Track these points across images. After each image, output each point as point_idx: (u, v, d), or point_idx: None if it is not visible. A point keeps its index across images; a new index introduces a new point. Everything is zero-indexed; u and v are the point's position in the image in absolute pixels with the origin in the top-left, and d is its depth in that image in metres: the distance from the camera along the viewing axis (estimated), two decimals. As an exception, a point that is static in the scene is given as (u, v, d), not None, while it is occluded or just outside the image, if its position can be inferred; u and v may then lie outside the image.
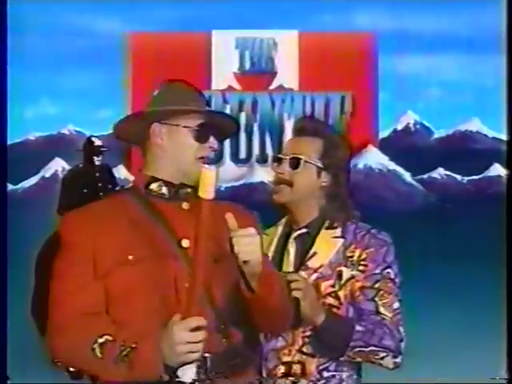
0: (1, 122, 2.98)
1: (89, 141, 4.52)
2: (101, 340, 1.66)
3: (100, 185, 4.46)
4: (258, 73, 8.73)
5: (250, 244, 1.58)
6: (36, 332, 4.58)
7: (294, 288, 1.82)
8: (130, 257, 1.69)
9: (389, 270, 1.96)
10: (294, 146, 2.04)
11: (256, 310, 1.67)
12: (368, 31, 8.32)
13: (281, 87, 8.68)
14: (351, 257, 1.95)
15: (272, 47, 8.60)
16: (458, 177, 8.93)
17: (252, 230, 1.59)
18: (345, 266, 1.94)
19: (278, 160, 2.03)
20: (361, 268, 1.94)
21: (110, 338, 1.64)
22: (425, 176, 8.95)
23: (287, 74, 8.58)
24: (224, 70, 8.53)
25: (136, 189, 1.80)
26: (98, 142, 4.50)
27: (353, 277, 1.93)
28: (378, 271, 1.94)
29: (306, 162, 1.98)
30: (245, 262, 1.58)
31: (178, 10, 8.10)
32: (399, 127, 9.33)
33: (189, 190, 1.75)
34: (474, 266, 5.88)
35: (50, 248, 4.67)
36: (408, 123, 9.33)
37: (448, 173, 8.93)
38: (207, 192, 1.56)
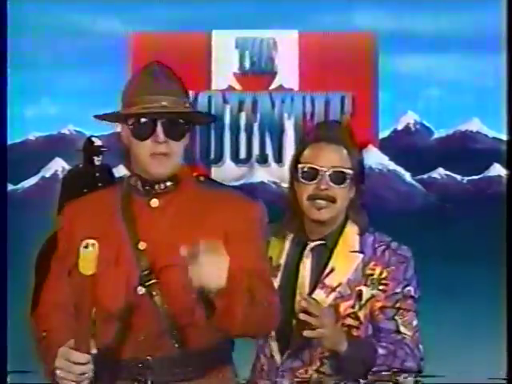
0: (1, 121, 2.98)
1: (89, 141, 4.52)
2: (44, 334, 1.78)
3: (100, 185, 4.46)
4: (257, 73, 8.73)
5: (213, 265, 1.45)
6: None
7: (316, 324, 1.73)
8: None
9: (409, 288, 1.90)
10: (325, 156, 1.85)
11: (219, 325, 1.58)
12: (368, 31, 8.32)
13: (281, 87, 8.68)
14: (371, 275, 1.88)
15: (272, 47, 8.60)
16: (458, 177, 8.92)
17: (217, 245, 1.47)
18: (365, 284, 1.87)
19: (313, 172, 1.84)
20: (381, 287, 1.88)
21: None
22: (425, 176, 8.94)
23: (287, 73, 8.58)
24: (224, 70, 8.53)
25: (126, 181, 1.82)
26: (98, 142, 4.50)
27: (373, 296, 1.87)
28: (398, 290, 1.88)
29: (349, 176, 1.86)
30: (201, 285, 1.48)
31: (178, 10, 8.10)
32: (399, 127, 9.33)
33: (168, 183, 1.72)
34: (474, 266, 5.88)
35: (50, 248, 4.65)
36: (408, 123, 9.32)
37: (448, 173, 8.92)
38: (87, 268, 1.50)
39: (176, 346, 1.63)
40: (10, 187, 7.64)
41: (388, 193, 8.69)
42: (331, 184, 1.84)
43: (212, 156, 8.81)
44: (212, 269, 1.46)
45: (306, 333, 1.73)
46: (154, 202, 1.71)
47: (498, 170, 8.48)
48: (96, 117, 1.91)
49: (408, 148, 9.09)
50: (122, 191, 1.78)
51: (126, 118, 1.75)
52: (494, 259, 4.19)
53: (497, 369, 2.37)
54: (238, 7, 7.98)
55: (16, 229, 3.86)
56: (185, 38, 8.26)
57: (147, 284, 1.65)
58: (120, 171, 8.50)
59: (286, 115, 8.68)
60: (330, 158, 1.85)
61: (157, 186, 1.72)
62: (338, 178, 1.83)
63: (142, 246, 1.67)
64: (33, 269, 4.37)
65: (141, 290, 1.66)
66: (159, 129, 1.69)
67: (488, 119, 8.60)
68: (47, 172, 8.92)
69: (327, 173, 1.83)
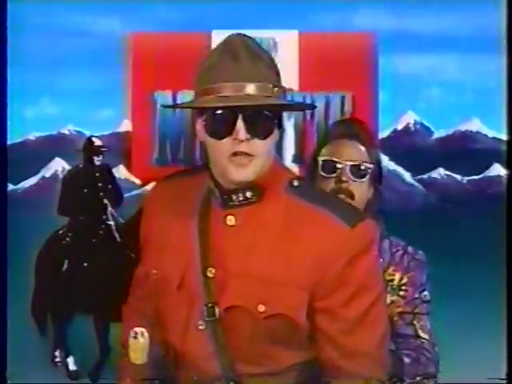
0: (1, 121, 2.97)
1: (89, 141, 4.51)
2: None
3: (100, 185, 4.45)
4: (258, 73, 8.72)
5: None
6: (36, 332, 4.59)
7: None
8: (154, 271, 1.46)
9: (425, 293, 1.90)
10: (346, 151, 1.78)
11: None
12: (368, 31, 8.32)
13: (281, 87, 8.67)
14: (391, 281, 1.84)
15: (272, 47, 8.60)
16: (458, 177, 8.93)
17: None
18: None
19: (334, 165, 1.77)
20: (401, 293, 1.85)
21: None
22: (425, 176, 8.95)
23: (287, 74, 8.56)
24: (224, 70, 8.53)
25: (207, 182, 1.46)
26: (98, 142, 4.49)
27: (392, 302, 1.83)
28: (417, 295, 1.88)
29: (369, 171, 1.78)
30: None
31: (178, 10, 8.10)
32: (399, 127, 9.33)
33: (248, 194, 1.37)
34: (474, 266, 5.88)
35: (50, 248, 4.66)
36: (408, 123, 9.33)
37: (448, 173, 8.93)
38: (137, 359, 1.36)
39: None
40: (10, 187, 7.65)
41: (388, 193, 8.69)
42: (351, 177, 1.76)
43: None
44: None
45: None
46: (230, 220, 1.37)
47: (498, 170, 8.48)
48: (165, 106, 1.54)
49: (408, 148, 9.10)
50: (205, 191, 1.44)
51: (200, 109, 1.38)
52: (494, 259, 4.18)
53: (497, 369, 2.37)
54: (237, 7, 7.98)
55: (16, 229, 3.85)
56: (185, 38, 8.26)
57: (209, 319, 1.38)
58: (120, 171, 8.53)
59: (286, 115, 8.68)
60: (351, 153, 1.78)
61: (234, 197, 1.37)
62: (358, 171, 1.77)
63: (210, 272, 1.38)
64: (33, 269, 4.38)
65: (202, 325, 1.39)
66: (240, 124, 1.31)
67: (488, 119, 8.61)
68: (47, 172, 8.92)
69: (347, 166, 1.76)
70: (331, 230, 1.33)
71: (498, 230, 3.70)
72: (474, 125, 9.05)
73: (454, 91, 8.52)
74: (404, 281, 1.85)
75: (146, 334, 1.36)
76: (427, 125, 9.21)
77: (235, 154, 1.32)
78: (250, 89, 1.31)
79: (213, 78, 1.34)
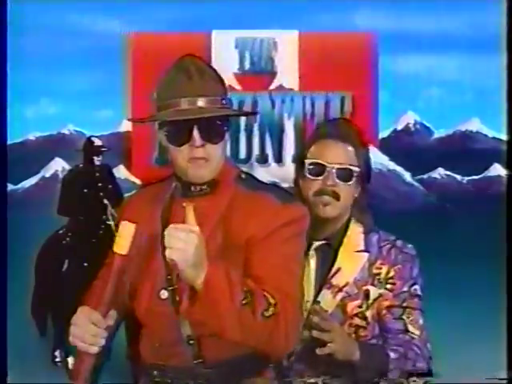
0: (1, 122, 2.97)
1: (89, 141, 4.51)
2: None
3: (100, 185, 4.44)
4: (257, 73, 8.73)
5: (180, 241, 1.39)
6: (36, 332, 4.58)
7: (328, 340, 1.67)
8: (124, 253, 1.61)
9: (416, 287, 1.86)
10: (333, 153, 1.82)
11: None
12: (368, 31, 8.33)
13: (281, 87, 8.69)
14: (378, 274, 1.84)
15: (272, 47, 8.61)
16: (458, 177, 8.94)
17: (192, 228, 1.41)
18: (372, 284, 1.83)
19: (320, 168, 1.80)
20: (389, 286, 1.84)
21: None
22: (425, 176, 8.96)
23: (287, 73, 8.59)
24: (224, 70, 8.45)
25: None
26: (97, 142, 4.49)
27: (380, 295, 1.83)
28: (405, 289, 1.85)
29: (356, 173, 1.81)
30: (171, 260, 1.41)
31: (178, 10, 8.11)
32: (399, 127, 9.35)
33: (203, 186, 1.60)
34: (474, 266, 5.88)
35: (50, 248, 4.66)
36: (408, 123, 9.34)
37: (448, 173, 8.94)
38: (121, 246, 1.46)
39: (192, 357, 1.56)
40: (10, 187, 7.66)
41: (388, 193, 8.69)
42: (337, 181, 1.79)
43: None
44: (186, 245, 1.38)
45: (320, 350, 1.67)
46: (187, 205, 1.54)
47: (498, 170, 8.49)
48: (130, 120, 1.70)
49: (408, 148, 9.11)
50: (170, 190, 1.68)
51: (161, 122, 1.62)
52: (493, 259, 4.18)
53: (497, 369, 2.37)
54: (238, 7, 7.99)
55: (16, 229, 3.86)
56: (185, 38, 8.27)
57: (170, 288, 1.58)
58: (120, 171, 8.54)
59: (285, 115, 8.69)
60: (337, 155, 1.81)
61: (192, 188, 1.61)
62: (345, 175, 1.80)
63: None
64: (33, 269, 4.38)
65: (163, 294, 1.59)
66: (196, 133, 1.53)
67: (488, 119, 8.62)
68: (47, 172, 8.93)
69: (334, 169, 1.79)
70: (265, 205, 1.57)
71: (498, 230, 3.70)
72: (474, 125, 9.06)
73: (453, 91, 8.53)
74: (391, 274, 1.84)
75: (134, 226, 1.48)
76: (427, 125, 9.22)
77: (193, 158, 1.55)
78: (202, 102, 1.55)
79: (170, 94, 1.57)
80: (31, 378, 3.58)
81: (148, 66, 8.20)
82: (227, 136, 1.60)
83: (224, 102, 1.57)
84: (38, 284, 4.37)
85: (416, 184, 8.88)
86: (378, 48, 8.32)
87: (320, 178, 1.82)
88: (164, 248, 1.46)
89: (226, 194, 1.62)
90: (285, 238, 1.56)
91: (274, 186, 1.72)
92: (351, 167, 1.80)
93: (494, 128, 8.51)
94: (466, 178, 8.89)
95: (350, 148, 1.84)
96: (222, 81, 1.60)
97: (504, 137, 6.92)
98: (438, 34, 8.17)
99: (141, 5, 8.10)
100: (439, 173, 8.96)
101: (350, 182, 1.80)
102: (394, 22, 8.24)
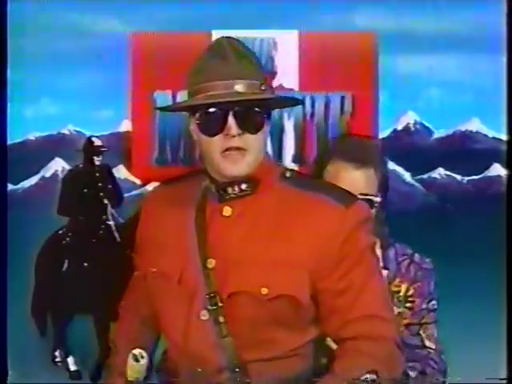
0: (1, 122, 2.97)
1: (89, 141, 4.51)
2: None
3: (100, 185, 4.45)
4: (258, 73, 8.72)
5: None
6: (36, 332, 4.58)
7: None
8: (154, 269, 1.48)
9: (433, 302, 1.84)
10: (350, 180, 1.66)
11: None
12: (368, 31, 8.32)
13: (281, 87, 8.67)
14: (397, 292, 1.78)
15: (272, 47, 8.60)
16: (458, 177, 8.93)
17: None
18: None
19: None
20: (408, 305, 1.79)
21: None
22: (425, 176, 8.95)
23: (287, 74, 8.58)
24: (224, 70, 8.53)
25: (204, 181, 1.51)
26: (97, 142, 4.49)
27: (399, 313, 1.77)
28: (424, 306, 1.82)
29: (376, 203, 1.70)
30: None
31: (178, 10, 8.10)
32: (399, 127, 9.33)
33: (243, 186, 1.41)
34: (474, 266, 5.87)
35: (50, 248, 4.66)
36: (408, 123, 9.32)
37: (448, 173, 8.93)
38: (133, 378, 1.41)
39: None
40: (10, 187, 7.65)
41: (388, 193, 8.67)
42: None
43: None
44: None
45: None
46: (227, 210, 1.40)
47: (498, 170, 8.49)
48: (158, 108, 1.57)
49: (408, 148, 9.09)
50: (201, 189, 1.48)
51: (193, 109, 1.43)
52: (493, 259, 4.18)
53: (497, 369, 2.37)
54: (238, 7, 7.98)
55: (16, 229, 3.85)
56: (185, 38, 8.25)
57: (212, 308, 1.39)
58: (120, 171, 8.53)
59: (285, 115, 8.68)
60: (356, 183, 1.66)
61: (230, 190, 1.40)
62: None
63: (210, 263, 1.40)
64: (33, 269, 4.37)
65: (204, 315, 1.40)
66: (231, 120, 1.35)
67: (488, 119, 8.61)
68: (47, 172, 8.92)
69: None
70: (327, 211, 1.37)
71: (498, 230, 3.69)
72: (474, 125, 9.05)
73: (453, 91, 8.52)
74: (411, 292, 1.80)
75: (145, 355, 1.40)
76: (427, 125, 9.21)
77: (228, 149, 1.36)
78: (239, 86, 1.36)
79: (203, 78, 1.39)
80: (31, 378, 3.59)
81: (148, 66, 8.19)
82: (267, 127, 1.43)
83: (263, 87, 1.39)
84: (37, 284, 4.37)
85: (416, 184, 8.87)
86: (377, 48, 8.31)
87: None
88: (205, 261, 1.35)
89: (272, 194, 1.42)
90: (361, 248, 1.38)
91: (325, 185, 1.53)
92: (372, 197, 1.69)
93: (494, 128, 8.50)
94: (466, 178, 8.88)
95: (371, 171, 1.70)
96: (261, 66, 1.44)
97: (504, 137, 6.92)
98: (438, 34, 8.16)
99: (141, 5, 8.09)
100: (439, 173, 8.95)
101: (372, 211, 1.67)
102: (394, 21, 8.23)
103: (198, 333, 1.41)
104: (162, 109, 1.55)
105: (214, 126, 1.38)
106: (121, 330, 1.61)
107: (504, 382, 2.01)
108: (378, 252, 1.74)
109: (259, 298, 1.35)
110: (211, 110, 1.37)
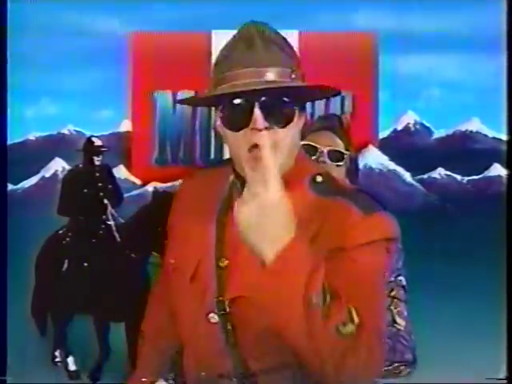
0: (1, 121, 2.97)
1: (89, 141, 4.51)
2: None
3: (100, 185, 4.44)
4: (258, 73, 8.72)
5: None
6: (36, 332, 4.57)
7: None
8: (172, 260, 1.41)
9: (401, 278, 1.89)
10: (325, 139, 1.92)
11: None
12: (368, 31, 8.32)
13: (281, 87, 8.69)
14: None
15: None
16: (458, 177, 8.93)
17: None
18: None
19: (312, 149, 1.87)
20: None
21: None
22: (425, 176, 8.95)
23: (287, 73, 8.59)
24: (224, 70, 8.54)
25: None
26: (98, 142, 4.48)
27: None
28: (392, 279, 1.86)
29: (346, 156, 1.89)
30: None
31: (178, 9, 8.10)
32: (399, 127, 9.35)
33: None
34: (474, 266, 5.88)
35: (50, 248, 4.65)
36: (408, 123, 9.34)
37: (448, 173, 8.93)
38: None
39: None
40: (10, 187, 7.66)
41: (388, 193, 8.69)
42: (328, 160, 1.88)
43: (212, 155, 8.80)
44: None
45: None
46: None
47: (498, 170, 8.49)
48: (179, 101, 1.41)
49: (408, 148, 9.10)
50: (228, 183, 1.37)
51: (216, 101, 1.29)
52: (494, 259, 4.18)
53: (496, 369, 2.37)
54: (238, 7, 7.98)
55: (16, 229, 3.85)
56: (185, 38, 8.26)
57: (220, 313, 1.32)
58: (120, 171, 8.54)
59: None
60: (329, 141, 1.91)
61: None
62: (336, 156, 1.89)
63: (223, 263, 1.31)
64: (33, 269, 4.37)
65: (213, 318, 1.33)
66: (257, 112, 1.21)
67: (488, 119, 8.63)
68: (47, 172, 8.92)
69: (325, 150, 1.88)
70: (346, 216, 1.25)
71: (498, 230, 3.69)
72: (474, 125, 9.06)
73: (454, 91, 8.53)
74: None
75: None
76: (427, 125, 9.23)
77: (255, 145, 1.20)
78: (267, 74, 1.24)
79: (228, 66, 1.25)
80: (31, 378, 3.58)
81: (148, 66, 8.20)
82: (299, 119, 1.28)
83: (293, 75, 1.25)
84: (37, 284, 4.37)
85: (416, 184, 8.87)
86: (377, 48, 8.32)
87: (313, 157, 1.88)
88: (219, 259, 1.27)
89: (297, 200, 1.23)
90: (364, 268, 1.24)
91: (354, 191, 1.37)
92: (342, 150, 1.88)
93: (494, 128, 8.51)
94: (466, 178, 8.89)
95: (339, 141, 1.93)
96: (293, 51, 1.29)
97: (504, 137, 6.92)
98: (438, 34, 8.17)
99: (141, 5, 8.10)
100: (439, 173, 8.95)
101: (341, 163, 1.88)
102: (394, 22, 8.24)
103: (206, 335, 1.34)
104: (182, 102, 1.39)
105: (238, 119, 1.23)
106: (150, 320, 1.58)
107: (504, 382, 2.01)
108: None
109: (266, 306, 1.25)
110: (236, 101, 1.23)
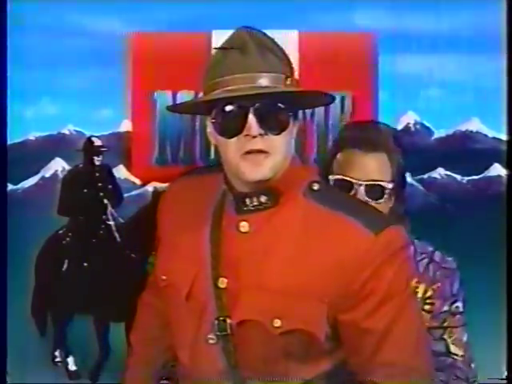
0: (1, 122, 2.97)
1: (89, 141, 4.52)
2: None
3: (100, 185, 4.46)
4: (258, 73, 8.70)
5: None
6: (36, 332, 4.60)
7: None
8: (164, 277, 1.37)
9: (458, 304, 1.76)
10: (361, 165, 1.56)
11: None
12: (368, 31, 8.31)
13: (281, 87, 8.67)
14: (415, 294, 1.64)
15: (272, 47, 8.58)
16: (458, 177, 8.92)
17: None
18: None
19: (347, 185, 1.55)
20: (427, 307, 1.70)
21: None
22: (425, 176, 8.94)
23: (287, 74, 8.57)
24: (224, 70, 8.52)
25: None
26: (97, 142, 4.50)
27: None
28: (446, 308, 1.72)
29: (388, 190, 1.59)
30: None
31: (178, 10, 8.10)
32: (399, 127, 9.31)
33: (262, 198, 1.23)
34: (474, 266, 5.87)
35: (50, 248, 4.68)
36: (408, 123, 9.31)
37: (448, 173, 8.92)
38: None
39: None
40: (10, 187, 7.64)
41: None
42: (367, 199, 1.56)
43: (212, 155, 8.79)
44: None
45: None
46: (243, 226, 1.24)
47: (498, 169, 8.47)
48: (169, 108, 1.38)
49: (408, 148, 9.08)
50: (220, 192, 1.31)
51: (208, 108, 1.27)
52: (494, 259, 4.18)
53: (497, 369, 2.36)
54: (238, 7, 7.97)
55: (16, 229, 3.86)
56: (185, 38, 8.25)
57: (222, 334, 1.26)
58: (120, 171, 8.53)
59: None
60: (367, 168, 1.57)
61: (248, 202, 1.24)
62: (375, 192, 1.58)
63: (222, 283, 1.26)
64: (33, 269, 4.37)
65: (212, 340, 1.28)
66: (251, 119, 1.19)
67: (488, 119, 8.60)
68: (47, 172, 8.90)
69: (362, 186, 1.56)
70: (354, 237, 1.21)
71: (498, 230, 3.69)
72: (474, 125, 9.04)
73: (454, 91, 8.51)
74: (429, 293, 1.71)
75: None
76: (427, 125, 9.20)
77: (249, 152, 1.21)
78: (261, 80, 1.21)
79: (220, 72, 1.24)
80: (31, 378, 3.59)
81: (148, 66, 8.19)
82: (294, 127, 1.29)
83: (288, 82, 1.25)
84: (37, 284, 4.37)
85: (416, 184, 8.86)
86: (377, 48, 8.31)
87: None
88: (216, 279, 1.21)
89: (295, 210, 1.24)
90: (390, 283, 1.20)
91: (357, 204, 1.33)
92: (382, 183, 1.58)
93: (494, 128, 8.50)
94: (466, 178, 8.87)
95: (383, 156, 1.59)
96: (287, 58, 1.30)
97: (504, 137, 6.92)
98: (438, 34, 8.16)
99: (141, 5, 8.10)
100: (439, 173, 8.94)
101: (381, 200, 1.59)
102: (394, 22, 8.23)
103: (205, 356, 1.30)
104: (172, 109, 1.37)
105: (231, 125, 1.21)
106: (139, 329, 1.56)
107: (504, 382, 1.99)
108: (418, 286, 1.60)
109: (271, 331, 1.23)
110: (228, 107, 1.21)
